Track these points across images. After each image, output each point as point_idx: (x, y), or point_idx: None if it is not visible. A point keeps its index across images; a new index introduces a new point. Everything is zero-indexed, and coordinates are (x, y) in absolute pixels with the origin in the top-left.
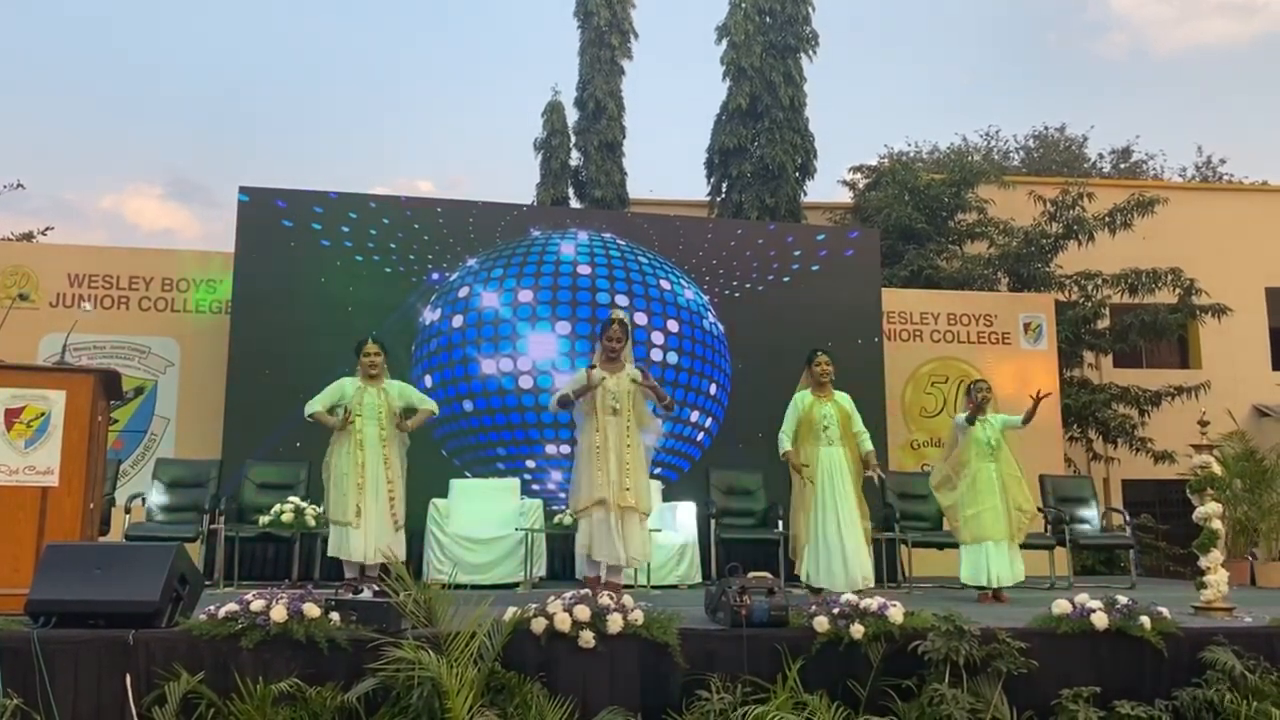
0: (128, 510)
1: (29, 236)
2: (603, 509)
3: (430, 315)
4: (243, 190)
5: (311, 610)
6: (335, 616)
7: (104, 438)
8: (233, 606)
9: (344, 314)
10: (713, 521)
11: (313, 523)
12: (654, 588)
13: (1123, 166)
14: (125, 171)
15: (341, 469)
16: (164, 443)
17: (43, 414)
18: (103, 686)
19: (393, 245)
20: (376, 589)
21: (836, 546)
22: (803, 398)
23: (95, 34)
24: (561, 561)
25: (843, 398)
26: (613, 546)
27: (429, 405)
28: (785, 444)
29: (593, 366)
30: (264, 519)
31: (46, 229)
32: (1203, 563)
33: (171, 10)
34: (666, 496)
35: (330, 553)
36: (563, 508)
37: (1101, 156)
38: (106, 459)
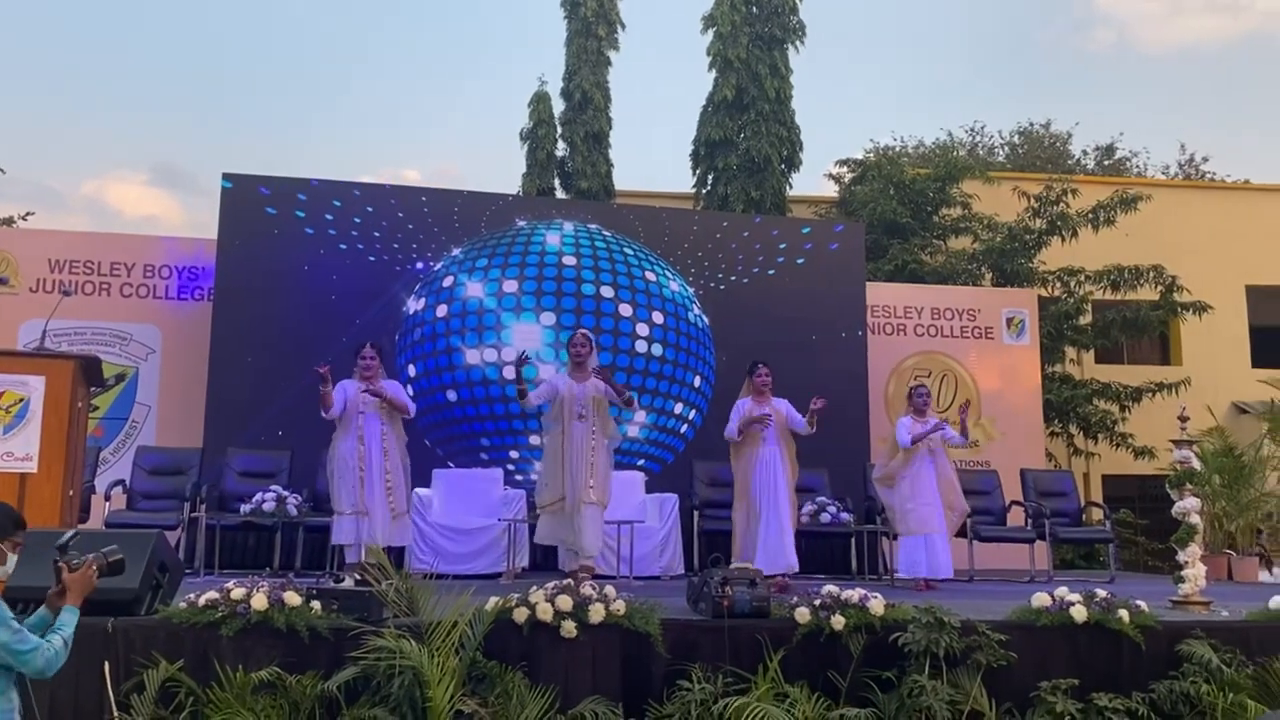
0: (108, 498)
1: (9, 222)
2: (562, 505)
3: (414, 304)
4: (226, 177)
5: (292, 599)
6: (316, 605)
7: (84, 424)
8: (213, 594)
9: (327, 302)
10: (696, 513)
11: (294, 512)
12: (636, 578)
13: (1106, 164)
14: (108, 157)
15: (346, 462)
16: (145, 430)
17: (22, 400)
18: (81, 674)
19: (377, 234)
20: (358, 578)
21: (774, 533)
22: (744, 404)
23: (78, 18)
24: (544, 552)
25: (780, 402)
26: (569, 533)
27: (402, 402)
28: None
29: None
30: (246, 507)
31: (27, 214)
32: (1181, 557)
33: None
34: (650, 488)
35: (334, 541)
36: None
37: (1085, 153)
38: (86, 446)
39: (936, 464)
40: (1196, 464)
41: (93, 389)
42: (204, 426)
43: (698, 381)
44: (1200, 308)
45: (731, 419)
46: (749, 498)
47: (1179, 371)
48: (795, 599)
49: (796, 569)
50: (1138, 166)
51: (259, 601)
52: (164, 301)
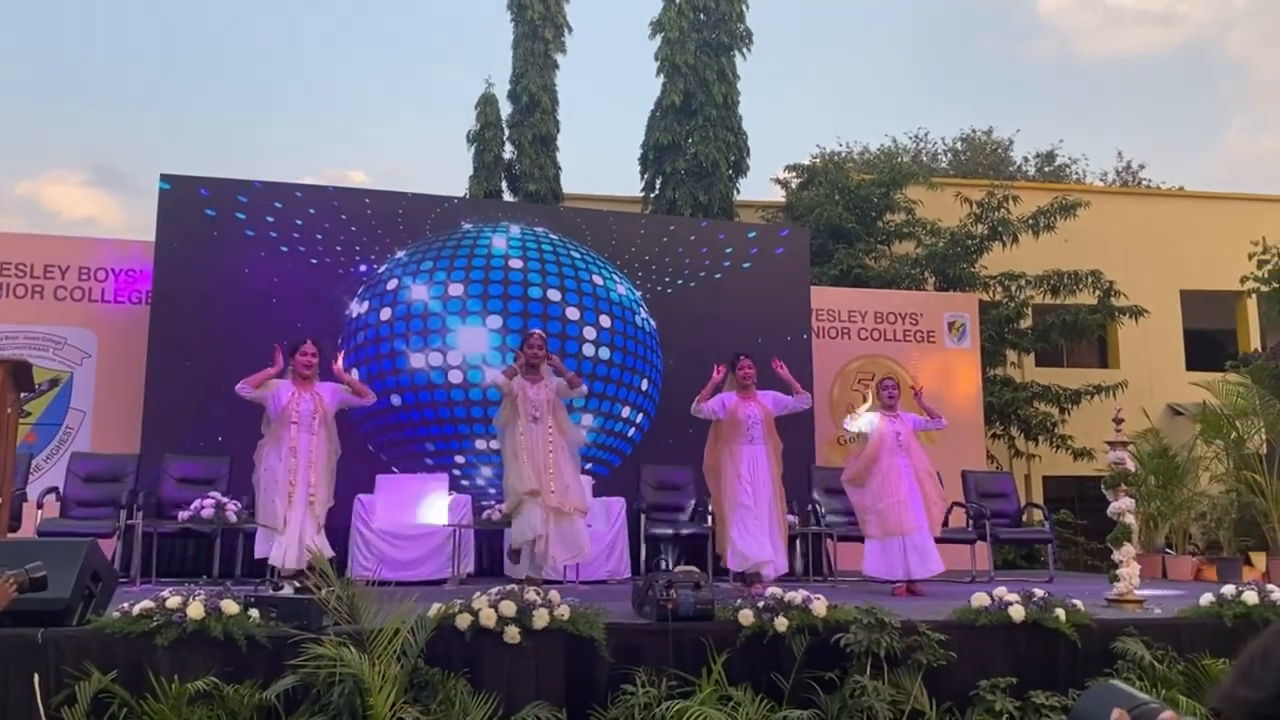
0: (40, 505)
1: None
2: (535, 499)
3: (357, 308)
4: (164, 178)
5: (230, 607)
6: (255, 613)
7: (14, 430)
8: (148, 604)
9: (268, 305)
10: (643, 516)
11: (234, 519)
12: (583, 583)
13: (1047, 170)
14: (45, 157)
15: (275, 473)
16: (80, 436)
17: None
18: (10, 686)
19: (319, 236)
20: (298, 585)
21: (763, 535)
22: (729, 398)
23: (12, 14)
24: (489, 558)
25: (766, 396)
26: (548, 542)
27: (352, 391)
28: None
29: (515, 371)
30: (184, 514)
31: None
32: (1116, 556)
33: None
34: (597, 491)
35: (258, 555)
36: (491, 503)
37: (1026, 160)
38: (17, 452)
39: (912, 459)
40: (1131, 465)
41: (24, 394)
42: (141, 432)
43: (645, 385)
44: (1137, 312)
45: (712, 401)
46: (736, 495)
47: (1116, 374)
48: (739, 601)
49: (784, 570)
50: (1077, 173)
51: (195, 610)
52: (100, 305)
